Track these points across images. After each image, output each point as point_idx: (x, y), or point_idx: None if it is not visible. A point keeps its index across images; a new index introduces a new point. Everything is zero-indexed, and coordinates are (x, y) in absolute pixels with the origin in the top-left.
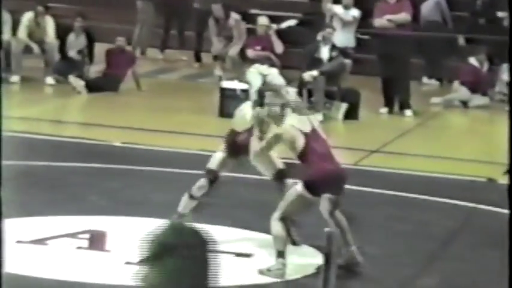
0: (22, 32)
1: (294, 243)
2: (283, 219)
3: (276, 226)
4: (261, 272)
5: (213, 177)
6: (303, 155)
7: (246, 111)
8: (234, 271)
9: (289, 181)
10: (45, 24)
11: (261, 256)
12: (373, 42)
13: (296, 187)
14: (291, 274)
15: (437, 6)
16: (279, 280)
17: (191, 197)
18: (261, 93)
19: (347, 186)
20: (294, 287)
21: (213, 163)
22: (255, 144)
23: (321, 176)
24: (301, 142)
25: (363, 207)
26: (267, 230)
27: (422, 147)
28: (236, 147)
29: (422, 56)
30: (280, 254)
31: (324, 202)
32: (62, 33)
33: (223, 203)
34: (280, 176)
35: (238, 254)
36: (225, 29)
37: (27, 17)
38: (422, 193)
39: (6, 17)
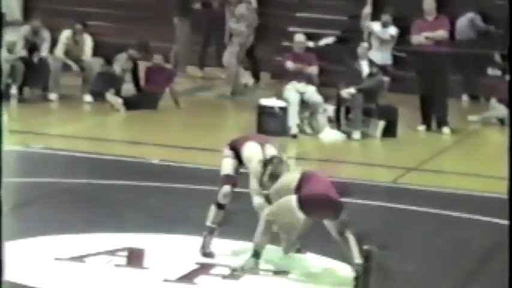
0: (60, 50)
1: (299, 251)
2: (271, 222)
3: (262, 225)
4: (234, 270)
5: (233, 182)
6: (298, 189)
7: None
8: None
9: None
10: (84, 42)
11: (298, 274)
12: (411, 59)
13: (290, 198)
14: None
15: (471, 23)
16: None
17: (219, 206)
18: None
19: (386, 204)
20: None
21: (228, 169)
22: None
23: (317, 197)
24: (295, 181)
25: (401, 225)
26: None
27: (461, 165)
28: (240, 157)
29: (459, 73)
30: (256, 254)
31: (331, 226)
32: (100, 51)
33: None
34: None
35: (276, 272)
36: (234, 16)
37: (65, 34)
38: (461, 211)
39: (46, 35)
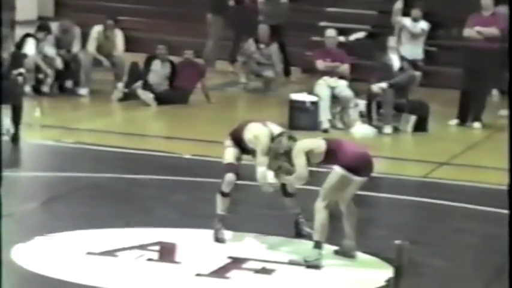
0: (91, 45)
1: (302, 235)
2: (327, 206)
3: (321, 215)
4: (295, 262)
5: (236, 171)
6: (328, 155)
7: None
8: (301, 282)
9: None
10: (114, 37)
11: (330, 268)
12: (454, 54)
13: (335, 170)
14: (361, 286)
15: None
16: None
17: (223, 194)
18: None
19: (416, 199)
20: None
21: (229, 158)
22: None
23: (357, 156)
24: (322, 145)
25: (432, 219)
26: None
27: (491, 160)
28: (242, 145)
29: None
30: (318, 245)
31: (355, 186)
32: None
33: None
34: None
35: (309, 266)
36: (262, 55)
37: (96, 30)
38: (492, 205)
39: (76, 32)
